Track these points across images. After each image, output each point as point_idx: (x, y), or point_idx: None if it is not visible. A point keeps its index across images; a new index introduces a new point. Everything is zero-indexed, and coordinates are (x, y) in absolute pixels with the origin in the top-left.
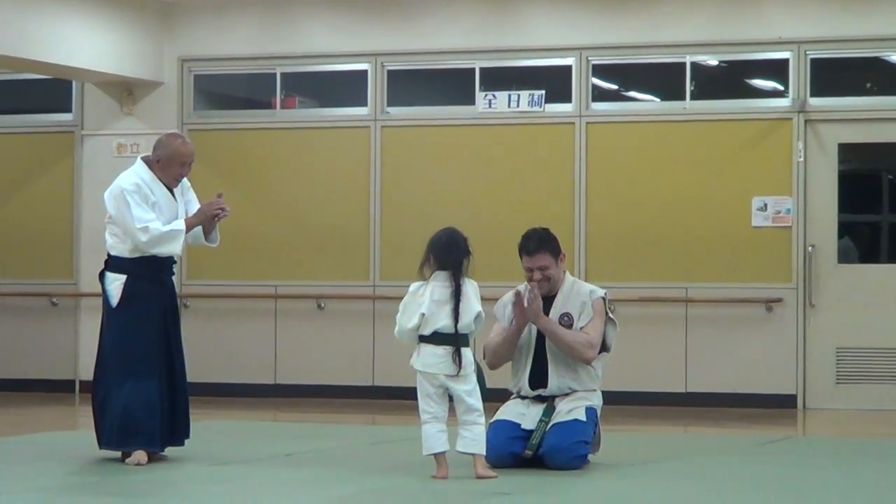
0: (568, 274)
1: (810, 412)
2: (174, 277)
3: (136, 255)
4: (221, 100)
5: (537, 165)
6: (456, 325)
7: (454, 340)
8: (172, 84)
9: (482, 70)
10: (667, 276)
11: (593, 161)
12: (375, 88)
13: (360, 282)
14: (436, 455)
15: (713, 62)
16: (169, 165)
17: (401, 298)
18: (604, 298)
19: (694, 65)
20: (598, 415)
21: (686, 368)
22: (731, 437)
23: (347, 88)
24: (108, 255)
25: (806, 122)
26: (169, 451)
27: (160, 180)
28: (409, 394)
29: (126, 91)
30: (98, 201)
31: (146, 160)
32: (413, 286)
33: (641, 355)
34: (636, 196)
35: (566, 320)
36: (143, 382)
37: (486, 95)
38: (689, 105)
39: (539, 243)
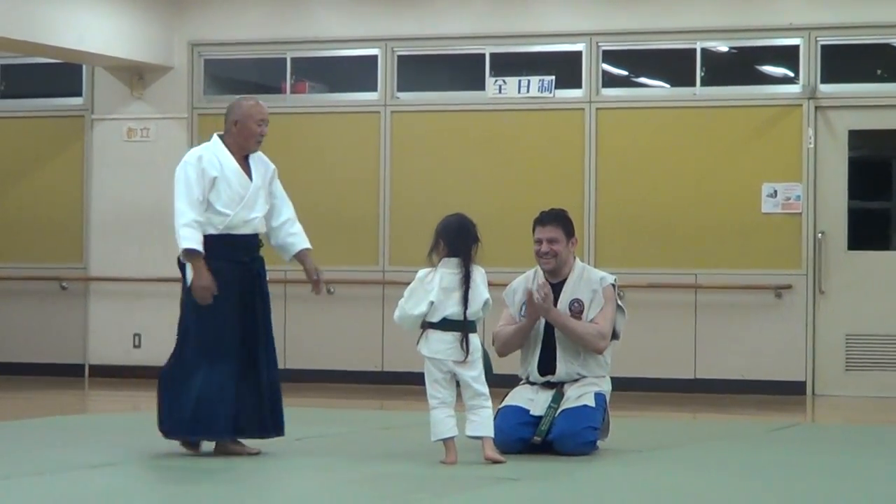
0: (578, 260)
1: (819, 399)
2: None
3: (216, 231)
4: (232, 84)
5: (547, 151)
6: (465, 312)
7: (462, 327)
8: (183, 68)
9: (492, 55)
10: (676, 263)
11: (603, 147)
12: (386, 74)
13: (369, 267)
14: (445, 441)
15: (723, 48)
16: (246, 125)
17: (406, 284)
18: (613, 285)
19: (704, 51)
20: (607, 401)
21: (695, 355)
22: (740, 424)
23: (358, 73)
24: None
25: (816, 108)
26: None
27: (233, 154)
28: (418, 379)
29: (136, 75)
30: (108, 185)
31: (220, 136)
32: (421, 272)
33: (650, 341)
34: (646, 182)
35: (576, 306)
36: (218, 368)
37: (496, 81)
38: (699, 91)
39: (553, 217)
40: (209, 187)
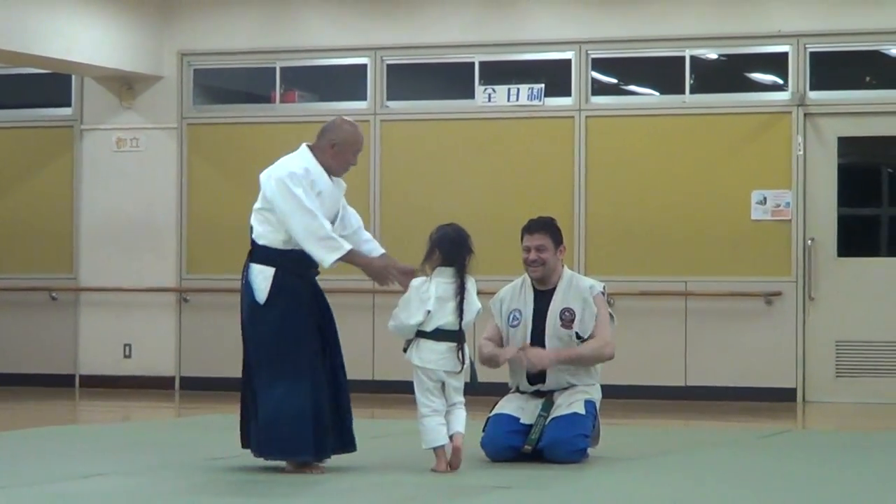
0: (566, 268)
1: (810, 405)
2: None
3: (289, 246)
4: (221, 94)
5: (537, 159)
6: (460, 323)
7: (457, 337)
8: (172, 78)
9: (481, 64)
10: (666, 270)
11: (593, 155)
12: (375, 82)
13: (359, 276)
14: (436, 448)
15: (712, 56)
16: (343, 151)
17: (401, 293)
18: (603, 292)
19: (693, 58)
20: (598, 408)
21: (686, 362)
22: (731, 431)
23: (347, 82)
24: (254, 244)
25: (805, 115)
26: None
27: (325, 170)
28: (409, 388)
29: (125, 85)
30: (98, 195)
31: (311, 147)
32: (415, 281)
33: (641, 349)
34: (635, 190)
35: (567, 315)
36: (296, 386)
37: (485, 89)
38: (688, 99)
39: (541, 225)
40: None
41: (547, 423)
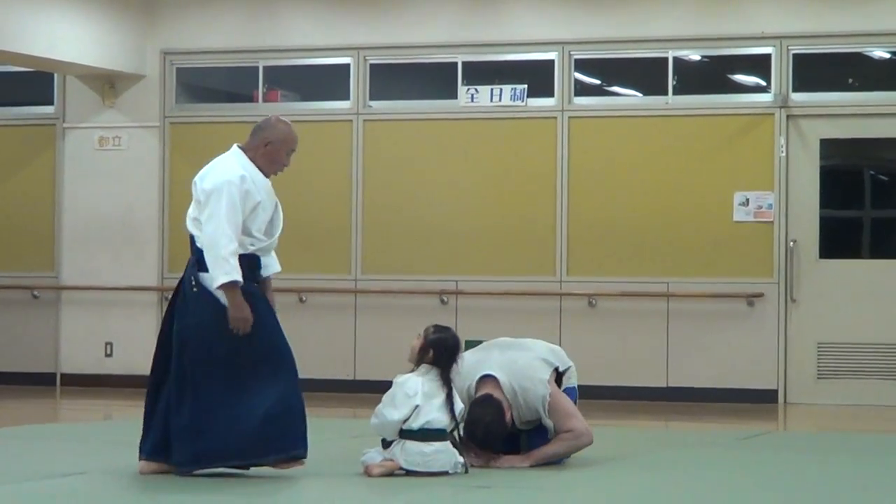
0: (506, 387)
1: (791, 407)
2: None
3: (241, 251)
4: (203, 93)
5: (519, 160)
6: (449, 419)
7: (445, 436)
8: (154, 77)
9: (464, 64)
10: (648, 271)
11: (575, 155)
12: (358, 82)
13: (341, 275)
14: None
15: (695, 57)
16: (277, 152)
17: (382, 292)
18: (558, 371)
19: (676, 60)
20: (577, 395)
21: (667, 363)
22: (712, 432)
23: (330, 82)
24: (200, 252)
25: (788, 117)
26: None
27: (260, 170)
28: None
29: (108, 84)
30: (79, 194)
31: (243, 148)
32: (399, 378)
33: (622, 350)
34: (618, 190)
35: (531, 424)
36: (292, 381)
37: (468, 90)
38: (671, 100)
39: (485, 440)
40: (250, 211)
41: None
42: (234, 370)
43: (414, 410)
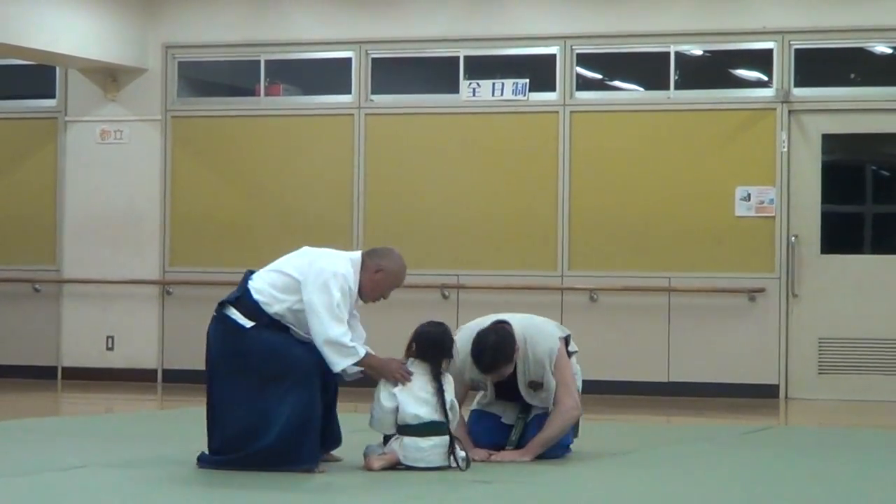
0: (518, 337)
1: (792, 402)
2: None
3: (279, 316)
4: (205, 87)
5: (521, 154)
6: (443, 413)
7: (442, 430)
8: (156, 71)
9: (466, 58)
10: (650, 266)
11: (577, 150)
12: (360, 76)
13: None
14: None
15: (697, 52)
16: (385, 281)
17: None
18: (566, 339)
19: (678, 54)
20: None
21: (669, 358)
22: (713, 427)
23: (331, 76)
24: (248, 300)
25: (790, 112)
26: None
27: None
28: None
29: (110, 77)
30: (81, 187)
31: (362, 261)
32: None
33: (624, 345)
34: (620, 185)
35: (535, 384)
36: (310, 395)
37: (470, 84)
38: (672, 95)
39: (493, 362)
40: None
41: (528, 420)
42: (252, 388)
43: (396, 402)
